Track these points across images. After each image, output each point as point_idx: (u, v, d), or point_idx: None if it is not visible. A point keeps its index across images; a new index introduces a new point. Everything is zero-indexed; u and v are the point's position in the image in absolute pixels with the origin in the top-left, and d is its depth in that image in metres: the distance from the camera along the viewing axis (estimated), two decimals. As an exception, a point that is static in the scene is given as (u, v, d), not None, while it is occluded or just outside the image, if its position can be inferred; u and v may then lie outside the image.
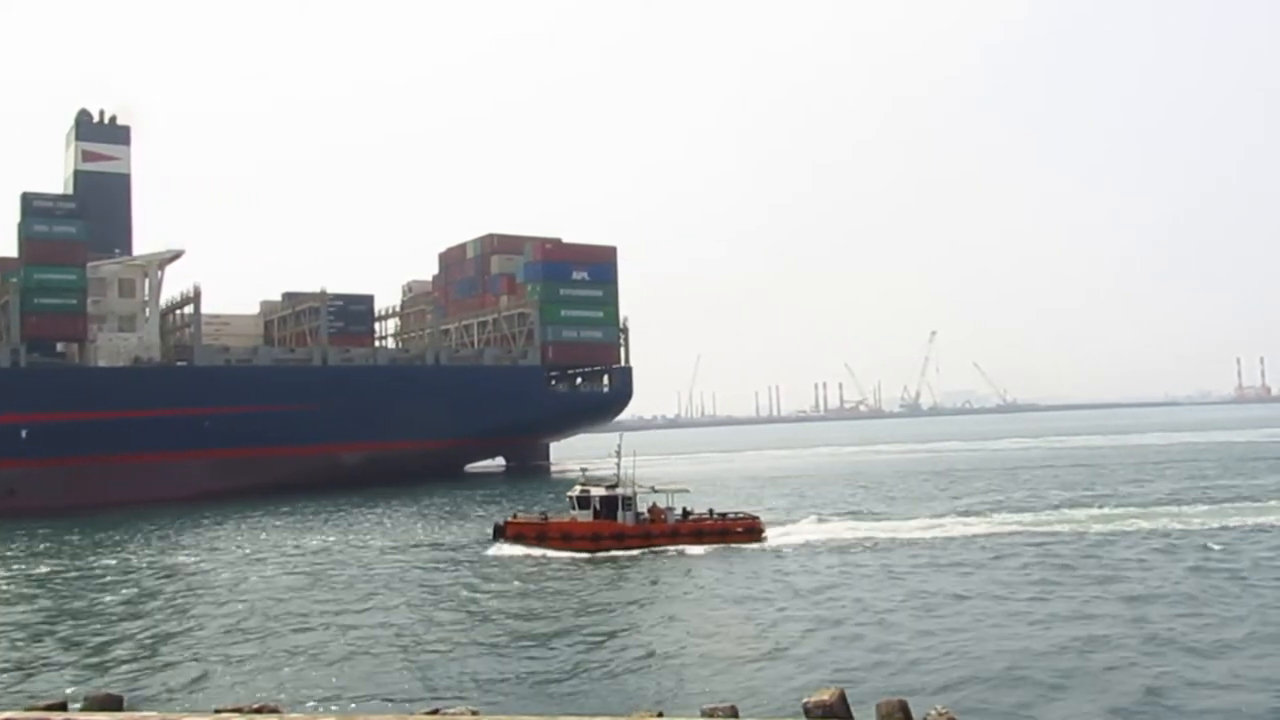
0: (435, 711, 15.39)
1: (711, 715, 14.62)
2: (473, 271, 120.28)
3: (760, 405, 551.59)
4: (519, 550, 43.75)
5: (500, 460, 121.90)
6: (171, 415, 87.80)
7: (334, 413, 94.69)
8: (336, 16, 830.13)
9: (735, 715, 14.71)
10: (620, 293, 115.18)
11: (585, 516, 44.28)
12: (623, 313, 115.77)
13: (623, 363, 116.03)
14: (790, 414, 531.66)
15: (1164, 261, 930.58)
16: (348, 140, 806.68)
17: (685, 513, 46.41)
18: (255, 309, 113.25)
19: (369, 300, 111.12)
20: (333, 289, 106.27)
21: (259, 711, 15.60)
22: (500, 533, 45.41)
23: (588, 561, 41.44)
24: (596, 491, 44.56)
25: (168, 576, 42.37)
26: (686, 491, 48.02)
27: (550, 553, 43.03)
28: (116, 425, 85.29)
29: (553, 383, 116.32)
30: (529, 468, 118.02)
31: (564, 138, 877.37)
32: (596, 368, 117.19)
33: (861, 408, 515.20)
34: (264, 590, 37.53)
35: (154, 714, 15.59)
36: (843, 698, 14.68)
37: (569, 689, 22.96)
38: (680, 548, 43.24)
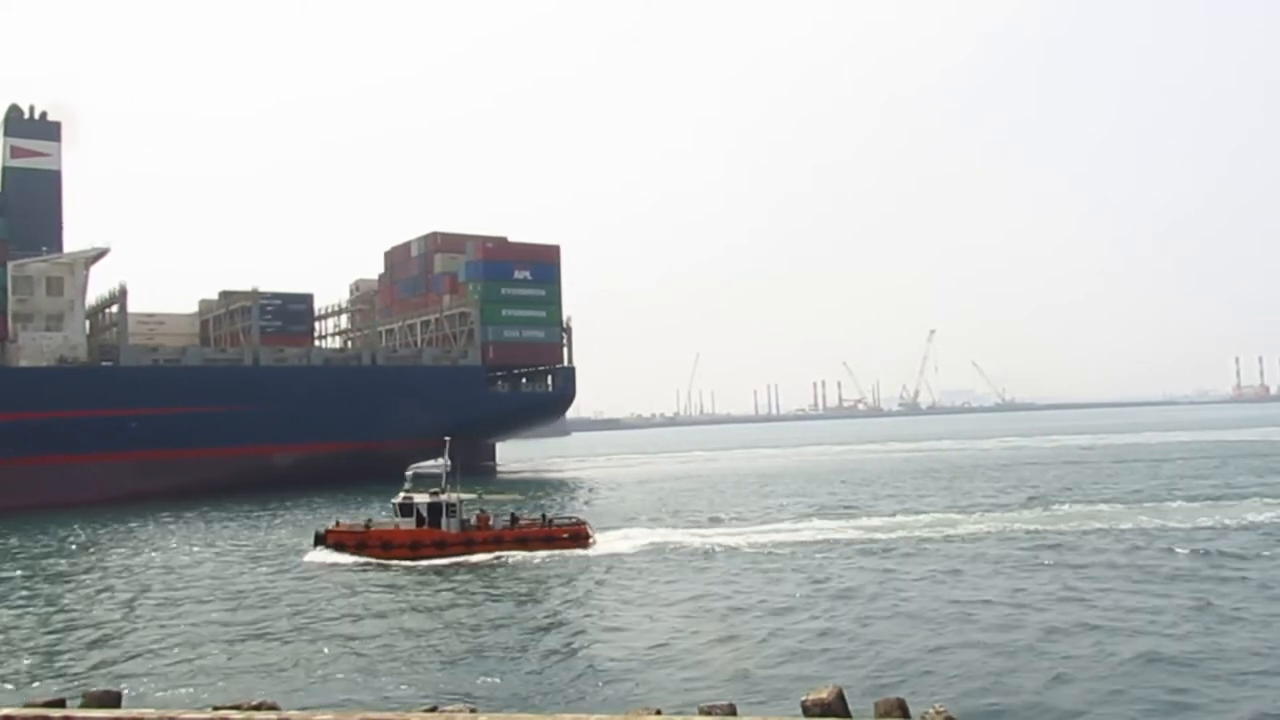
0: (434, 709, 15.46)
1: (709, 713, 14.65)
2: (417, 270, 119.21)
3: (759, 403, 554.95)
4: (336, 558, 42.64)
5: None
6: (95, 416, 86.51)
7: (266, 413, 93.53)
8: (304, 21, 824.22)
9: (734, 713, 14.75)
10: (564, 292, 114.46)
11: (409, 523, 43.47)
12: (566, 312, 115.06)
13: (566, 363, 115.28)
14: (789, 412, 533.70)
15: (1163, 261, 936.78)
16: (327, 139, 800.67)
17: (514, 519, 45.79)
18: (194, 308, 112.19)
19: (308, 299, 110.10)
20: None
21: (258, 708, 15.57)
22: (321, 540, 44.36)
23: (390, 570, 40.51)
24: (420, 498, 43.80)
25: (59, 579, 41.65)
26: (517, 499, 47.34)
27: (369, 561, 42.03)
28: (38, 426, 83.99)
29: (498, 384, 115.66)
30: (475, 469, 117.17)
31: (551, 139, 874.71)
32: (540, 368, 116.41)
33: (860, 406, 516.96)
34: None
35: (151, 711, 15.39)
36: (840, 696, 14.73)
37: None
38: (504, 554, 42.43)
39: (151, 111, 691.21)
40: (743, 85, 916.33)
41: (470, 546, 42.93)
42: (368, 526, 45.32)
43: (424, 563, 41.66)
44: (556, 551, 42.83)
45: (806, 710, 14.42)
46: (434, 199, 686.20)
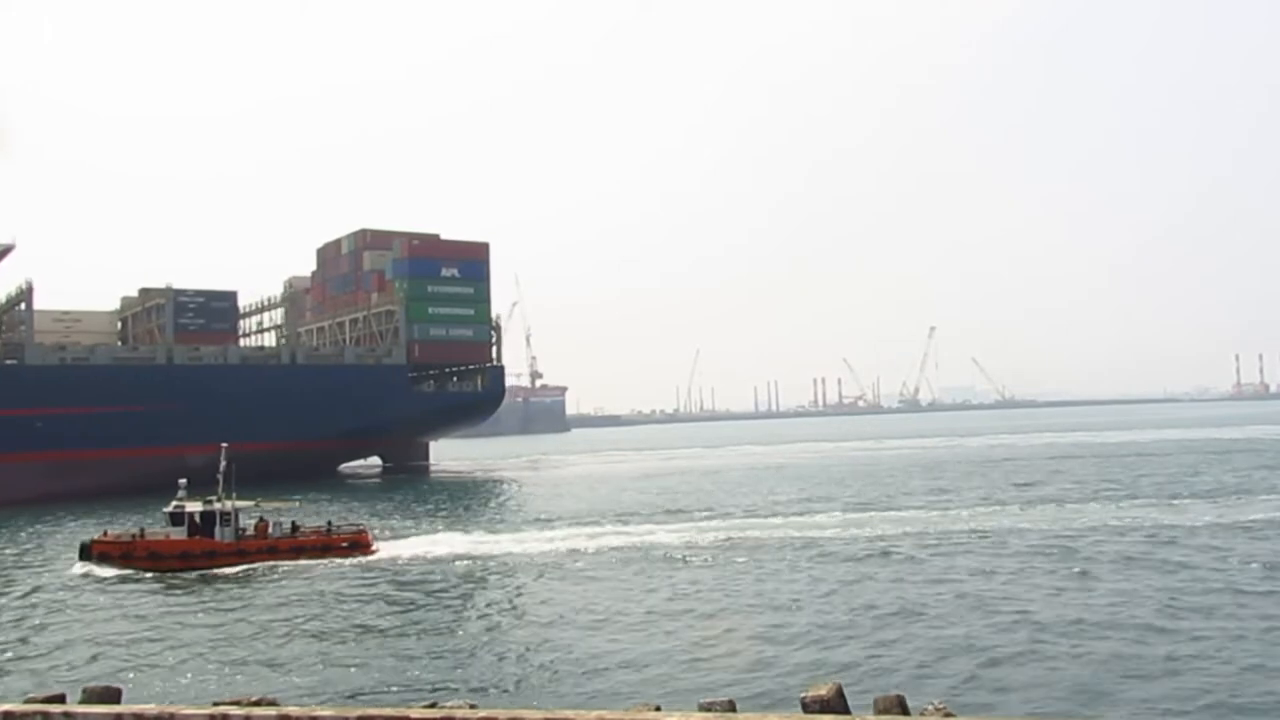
0: (434, 705, 15.17)
1: (709, 709, 14.69)
2: (347, 268, 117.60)
3: (759, 400, 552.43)
4: (106, 571, 41.00)
5: (376, 461, 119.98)
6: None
7: (179, 413, 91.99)
8: (299, 20, 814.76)
9: (733, 709, 14.83)
10: (492, 290, 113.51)
11: (180, 533, 42.17)
12: (495, 310, 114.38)
13: (495, 361, 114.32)
14: (789, 409, 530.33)
15: (1163, 258, 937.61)
16: (326, 140, 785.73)
17: (294, 527, 44.71)
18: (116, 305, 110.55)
19: (231, 297, 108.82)
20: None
21: (258, 704, 15.29)
22: (85, 552, 42.70)
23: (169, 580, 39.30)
24: (192, 507, 42.39)
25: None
26: (295, 505, 46.32)
27: (139, 573, 40.45)
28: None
29: (430, 383, 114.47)
30: (408, 468, 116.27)
31: (549, 140, 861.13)
32: (470, 366, 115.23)
33: (860, 403, 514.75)
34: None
35: (151, 706, 15.07)
36: (840, 692, 14.76)
37: None
38: (279, 563, 41.19)
39: (149, 114, 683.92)
40: (742, 84, 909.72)
41: (244, 556, 41.57)
42: (138, 536, 43.64)
43: (192, 574, 40.19)
44: (335, 560, 41.74)
45: (806, 707, 14.45)
46: (430, 200, 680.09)
